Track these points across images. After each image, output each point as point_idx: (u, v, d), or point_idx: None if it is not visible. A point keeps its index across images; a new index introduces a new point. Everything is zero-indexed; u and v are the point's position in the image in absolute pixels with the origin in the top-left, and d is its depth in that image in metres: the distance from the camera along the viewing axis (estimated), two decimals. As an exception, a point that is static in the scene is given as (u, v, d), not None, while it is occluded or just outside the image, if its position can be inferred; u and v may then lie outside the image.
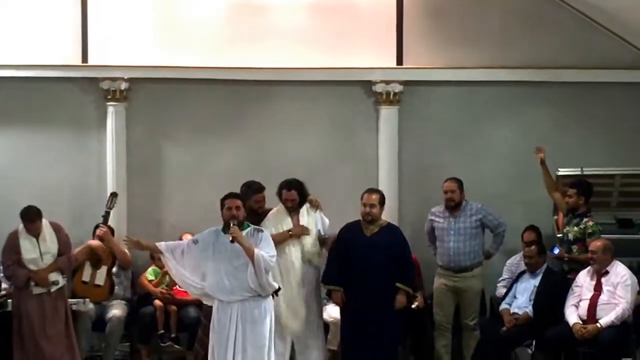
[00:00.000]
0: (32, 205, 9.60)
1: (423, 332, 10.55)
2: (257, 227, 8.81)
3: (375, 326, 9.42)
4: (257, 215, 9.46)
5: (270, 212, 9.79)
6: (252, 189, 9.63)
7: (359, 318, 9.49)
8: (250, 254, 8.36)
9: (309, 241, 9.69)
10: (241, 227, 8.61)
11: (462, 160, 11.26)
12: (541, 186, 10.49)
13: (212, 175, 11.03)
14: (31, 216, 9.53)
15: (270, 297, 8.67)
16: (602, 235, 9.78)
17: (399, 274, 9.50)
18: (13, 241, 9.61)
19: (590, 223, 9.91)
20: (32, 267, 9.52)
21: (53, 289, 9.57)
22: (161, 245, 8.56)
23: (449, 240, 10.24)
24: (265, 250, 8.47)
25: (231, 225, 8.46)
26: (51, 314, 9.57)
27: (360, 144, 11.53)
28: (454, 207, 10.25)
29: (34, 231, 9.56)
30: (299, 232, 9.60)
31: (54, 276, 9.57)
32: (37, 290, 9.54)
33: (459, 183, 10.28)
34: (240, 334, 8.49)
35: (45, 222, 9.64)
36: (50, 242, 9.62)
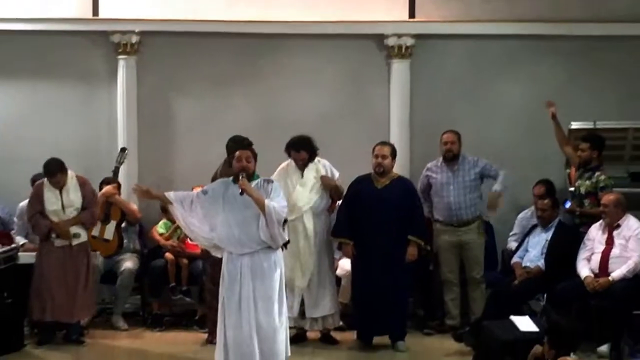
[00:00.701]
0: (54, 158, 9.66)
1: (430, 286, 10.57)
2: (267, 178, 8.78)
3: (386, 279, 9.44)
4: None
5: (280, 166, 9.79)
6: (243, 145, 9.53)
7: (369, 271, 9.50)
8: (261, 205, 8.31)
9: (317, 190, 9.70)
10: (251, 178, 8.58)
11: (474, 115, 11.23)
12: (553, 140, 10.43)
13: (222, 129, 10.93)
14: (50, 169, 9.58)
15: (280, 249, 8.65)
16: (615, 189, 9.76)
17: (410, 226, 9.50)
18: (38, 192, 9.70)
19: (603, 177, 9.87)
20: (55, 219, 9.60)
21: (74, 242, 9.63)
22: (170, 194, 8.52)
23: (448, 195, 10.21)
24: (276, 201, 8.43)
25: (240, 177, 8.43)
26: (71, 267, 9.65)
27: (372, 98, 11.49)
28: (451, 158, 10.20)
29: (56, 184, 9.62)
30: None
31: (75, 229, 9.63)
32: (58, 243, 9.62)
33: (458, 135, 10.25)
34: (250, 286, 8.46)
35: (71, 175, 9.71)
36: (73, 195, 9.67)
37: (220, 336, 8.50)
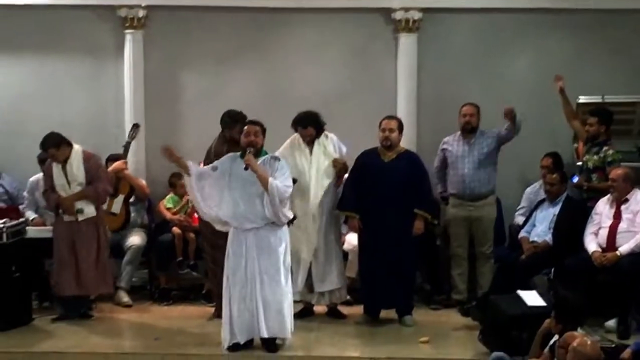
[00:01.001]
0: (52, 132, 9.71)
1: (437, 260, 10.58)
2: (274, 155, 8.78)
3: (393, 253, 9.44)
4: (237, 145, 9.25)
5: (288, 140, 9.78)
6: (237, 119, 9.54)
7: (376, 245, 9.51)
8: (265, 183, 8.33)
9: (326, 168, 9.69)
10: (259, 154, 8.58)
11: (481, 88, 11.19)
12: (561, 114, 10.39)
13: (230, 103, 10.89)
14: (44, 143, 9.66)
15: (286, 225, 8.66)
16: (623, 164, 9.74)
17: (417, 200, 9.49)
18: (49, 167, 9.75)
19: (611, 151, 9.83)
20: (62, 193, 9.65)
21: (80, 218, 9.64)
22: (192, 166, 8.56)
23: (463, 167, 10.20)
24: (280, 180, 8.43)
25: (247, 152, 8.43)
26: (80, 242, 9.67)
27: (379, 73, 11.45)
28: (470, 131, 10.19)
29: (55, 158, 9.65)
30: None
31: (79, 204, 9.64)
32: (66, 218, 9.67)
33: (477, 108, 10.24)
34: (255, 262, 8.51)
35: (77, 149, 9.73)
36: (76, 170, 9.69)
37: (226, 311, 8.56)
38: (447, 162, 10.37)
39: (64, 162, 9.66)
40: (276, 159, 8.68)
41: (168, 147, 8.70)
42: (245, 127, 8.63)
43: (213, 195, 8.58)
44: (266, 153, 8.74)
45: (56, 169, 9.68)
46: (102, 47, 11.43)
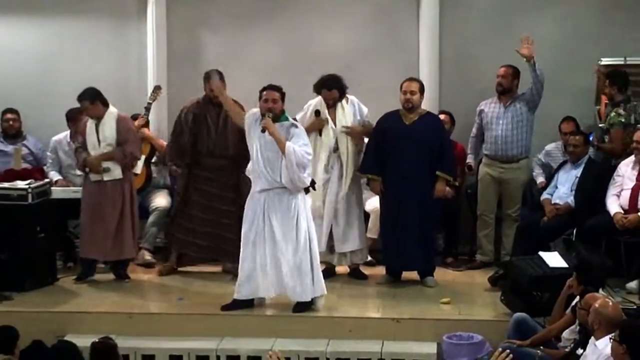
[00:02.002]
0: (89, 87, 9.77)
1: (458, 222, 10.63)
2: (293, 122, 8.84)
3: (415, 214, 9.50)
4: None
5: (309, 103, 9.81)
6: (206, 77, 9.82)
7: (398, 207, 9.56)
8: (282, 146, 8.42)
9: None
10: (278, 119, 8.66)
11: (504, 50, 11.06)
12: (584, 76, 10.37)
13: (251, 65, 11.00)
14: (81, 96, 9.69)
15: (303, 192, 8.74)
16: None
17: (439, 162, 9.51)
18: (84, 125, 9.82)
19: (613, 114, 9.82)
20: (92, 152, 9.72)
21: (105, 177, 9.70)
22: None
23: (497, 128, 10.20)
24: (298, 145, 8.51)
25: (266, 116, 8.51)
26: (106, 203, 9.74)
27: (401, 34, 11.37)
28: (502, 92, 10.19)
29: (88, 112, 9.73)
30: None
31: (106, 164, 9.70)
32: (93, 177, 9.73)
33: (513, 69, 10.22)
34: (269, 223, 8.64)
35: (112, 111, 9.79)
36: (108, 130, 9.75)
37: (240, 269, 8.69)
38: (482, 131, 10.38)
39: (97, 121, 9.71)
40: (294, 125, 8.74)
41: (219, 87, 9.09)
42: (264, 93, 8.71)
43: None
44: (287, 118, 8.80)
45: (90, 127, 9.74)
46: (125, 8, 11.42)
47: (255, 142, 8.67)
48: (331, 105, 9.73)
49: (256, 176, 8.68)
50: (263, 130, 8.51)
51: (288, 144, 8.46)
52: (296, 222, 8.63)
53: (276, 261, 8.66)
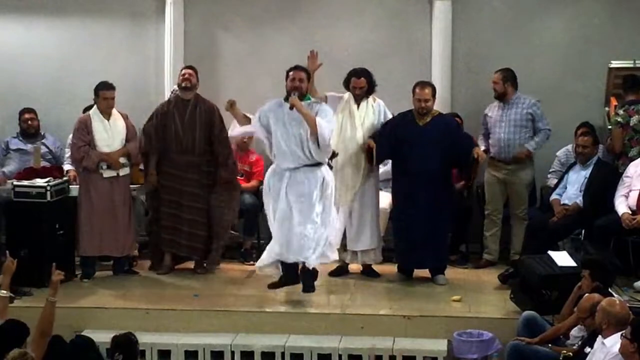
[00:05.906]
0: (104, 80, 9.93)
1: (468, 221, 10.73)
2: (317, 100, 9.21)
3: (427, 213, 9.63)
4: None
5: (342, 97, 9.95)
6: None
7: (410, 205, 9.70)
8: (311, 121, 8.75)
9: (367, 129, 9.84)
10: (303, 98, 8.94)
11: (516, 53, 11.21)
12: (594, 78, 10.47)
13: (267, 66, 11.10)
14: (108, 83, 9.87)
15: (326, 167, 8.96)
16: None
17: (461, 156, 9.70)
18: (85, 123, 9.91)
19: (613, 114, 9.95)
20: (105, 149, 9.82)
21: (122, 172, 9.88)
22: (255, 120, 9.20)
23: (499, 131, 10.34)
24: (324, 120, 8.87)
25: (292, 95, 8.77)
26: (118, 199, 9.90)
27: (414, 36, 11.48)
28: (497, 97, 10.34)
29: (110, 104, 9.86)
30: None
31: (122, 160, 9.89)
32: (107, 174, 9.85)
33: (505, 74, 10.31)
34: (289, 199, 8.94)
35: (114, 110, 9.94)
36: (120, 126, 9.93)
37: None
38: (488, 131, 10.53)
39: (107, 117, 9.86)
40: (318, 102, 9.10)
41: (233, 102, 9.27)
42: (291, 73, 9.04)
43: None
44: (309, 98, 9.06)
45: (99, 124, 9.86)
46: (142, 9, 11.55)
47: (280, 124, 8.94)
48: (359, 99, 9.85)
49: (281, 155, 9.00)
50: (291, 108, 8.79)
51: (317, 118, 8.81)
52: (318, 198, 8.89)
53: (293, 232, 8.91)
